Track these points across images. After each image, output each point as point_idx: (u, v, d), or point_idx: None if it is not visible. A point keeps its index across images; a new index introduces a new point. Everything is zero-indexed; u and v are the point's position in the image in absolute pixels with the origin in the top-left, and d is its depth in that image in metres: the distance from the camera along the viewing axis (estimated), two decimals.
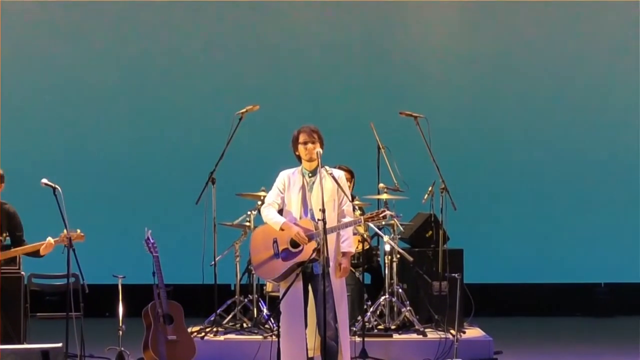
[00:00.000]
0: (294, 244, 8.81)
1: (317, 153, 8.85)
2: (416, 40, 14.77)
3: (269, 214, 8.96)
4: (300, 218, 8.89)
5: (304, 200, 8.92)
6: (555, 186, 14.68)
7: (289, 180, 8.99)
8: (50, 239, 9.86)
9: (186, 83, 14.58)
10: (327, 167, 8.89)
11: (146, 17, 14.65)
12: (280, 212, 9.01)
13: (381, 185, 11.43)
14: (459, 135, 14.47)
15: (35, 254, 10.07)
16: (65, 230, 9.81)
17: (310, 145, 8.86)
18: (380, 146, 11.40)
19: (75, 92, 14.53)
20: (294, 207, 8.93)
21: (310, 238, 8.75)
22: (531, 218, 14.60)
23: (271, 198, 9.01)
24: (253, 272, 10.78)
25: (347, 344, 8.91)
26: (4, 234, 10.07)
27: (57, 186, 9.86)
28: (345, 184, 9.00)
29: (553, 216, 14.62)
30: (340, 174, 8.98)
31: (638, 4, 14.67)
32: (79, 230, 9.97)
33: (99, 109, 14.51)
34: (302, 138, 8.88)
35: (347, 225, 8.89)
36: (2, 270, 10.25)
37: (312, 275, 8.83)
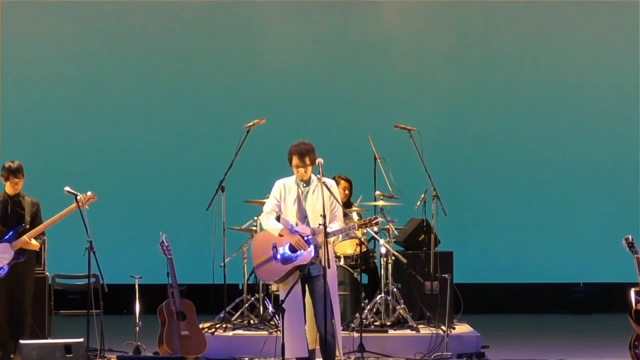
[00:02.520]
0: (292, 248, 8.84)
1: (318, 163, 8.89)
2: (409, 54, 14.72)
3: (268, 222, 9.01)
4: (296, 225, 8.93)
5: (299, 209, 8.96)
6: (536, 195, 14.62)
7: (284, 189, 9.02)
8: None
9: (200, 99, 14.55)
10: (319, 177, 8.93)
11: (161, 31, 14.61)
12: (278, 218, 9.04)
13: (377, 192, 11.43)
14: (449, 145, 14.43)
15: None
16: (75, 201, 9.82)
17: (301, 170, 8.91)
18: (377, 157, 11.40)
19: (98, 103, 14.47)
20: (290, 215, 8.97)
21: (308, 243, 8.80)
22: (516, 223, 14.55)
23: (269, 207, 9.05)
24: None
25: (339, 335, 8.96)
26: (27, 219, 10.03)
27: (78, 194, 9.88)
28: (336, 191, 9.07)
29: (535, 221, 14.57)
30: (331, 182, 9.06)
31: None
32: (89, 193, 9.95)
33: (119, 121, 14.47)
34: (294, 162, 8.92)
35: (342, 230, 9.02)
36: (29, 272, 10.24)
37: (309, 276, 8.87)
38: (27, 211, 10.01)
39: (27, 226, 9.97)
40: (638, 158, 14.53)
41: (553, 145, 14.66)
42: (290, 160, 8.95)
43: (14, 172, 9.96)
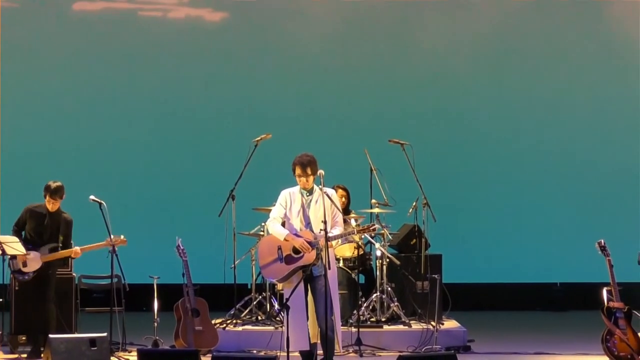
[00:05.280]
0: (296, 250, 8.89)
1: (320, 174, 8.95)
2: (400, 74, 14.70)
3: (274, 227, 9.06)
4: (300, 230, 8.98)
5: (303, 215, 9.01)
6: (518, 204, 14.57)
7: (289, 197, 9.08)
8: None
9: (213, 118, 14.54)
10: (320, 187, 8.97)
11: (177, 45, 14.58)
12: (283, 224, 9.10)
13: (373, 200, 11.45)
14: (438, 157, 14.41)
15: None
16: (109, 238, 9.87)
17: (304, 179, 8.97)
18: (373, 168, 11.43)
19: (117, 114, 14.40)
20: (295, 221, 9.03)
21: (312, 246, 8.84)
22: (500, 228, 14.49)
23: (275, 213, 9.10)
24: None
25: (339, 330, 9.03)
26: (60, 237, 10.08)
27: (102, 202, 9.92)
28: (336, 200, 9.14)
29: (517, 227, 14.54)
30: (332, 192, 9.12)
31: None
32: (122, 236, 10.01)
33: (139, 134, 14.43)
34: (297, 171, 8.99)
35: (342, 235, 9.07)
36: (57, 272, 10.28)
37: (311, 276, 8.92)
38: (62, 230, 10.02)
39: (60, 245, 10.01)
40: (616, 163, 14.45)
41: (532, 152, 14.54)
42: (293, 171, 9.01)
43: (52, 193, 9.94)
